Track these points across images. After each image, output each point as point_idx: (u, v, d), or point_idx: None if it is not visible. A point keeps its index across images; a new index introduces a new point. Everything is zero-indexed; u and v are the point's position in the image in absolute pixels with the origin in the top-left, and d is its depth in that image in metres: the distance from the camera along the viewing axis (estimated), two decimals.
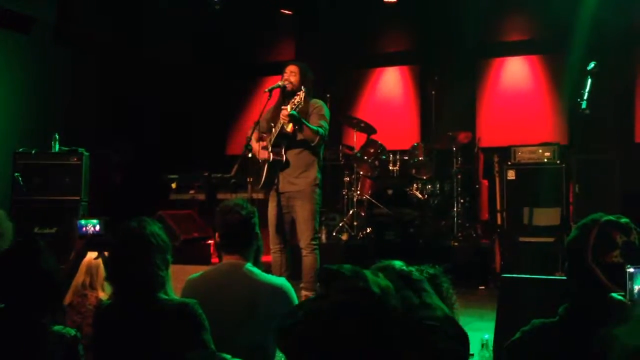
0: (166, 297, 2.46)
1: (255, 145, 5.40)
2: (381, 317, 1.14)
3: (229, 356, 1.94)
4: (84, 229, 4.14)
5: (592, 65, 5.03)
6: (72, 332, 2.47)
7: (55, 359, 2.38)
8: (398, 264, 1.66)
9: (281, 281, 3.01)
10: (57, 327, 2.46)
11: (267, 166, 5.33)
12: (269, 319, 2.88)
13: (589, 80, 4.94)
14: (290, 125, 5.19)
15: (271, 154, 5.27)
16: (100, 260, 3.51)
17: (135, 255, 2.43)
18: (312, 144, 5.30)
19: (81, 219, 4.55)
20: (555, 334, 1.96)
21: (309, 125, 5.19)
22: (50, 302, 2.51)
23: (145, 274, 2.40)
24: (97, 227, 4.15)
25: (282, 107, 5.20)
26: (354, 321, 1.13)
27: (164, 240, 2.50)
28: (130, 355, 2.38)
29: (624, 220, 1.98)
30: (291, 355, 1.18)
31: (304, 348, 1.15)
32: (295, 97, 5.15)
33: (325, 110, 5.41)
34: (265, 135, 5.43)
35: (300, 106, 5.13)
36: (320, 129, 5.24)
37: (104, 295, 3.45)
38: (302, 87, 5.21)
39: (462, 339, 1.22)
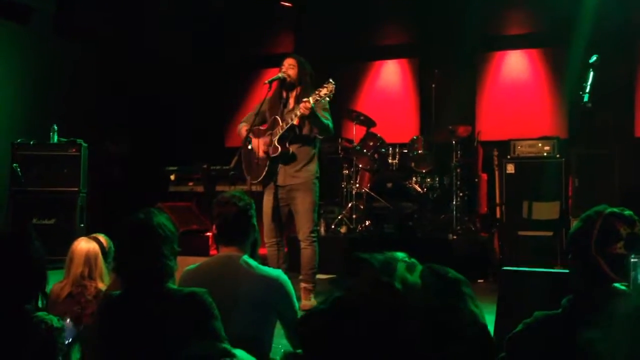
0: (175, 286, 2.45)
1: (255, 141, 5.36)
2: (399, 315, 1.11)
3: (229, 346, 1.93)
4: None
5: (594, 58, 5.01)
6: (55, 320, 2.44)
7: (33, 345, 2.36)
8: (400, 255, 1.65)
9: (277, 273, 3.00)
10: (40, 314, 2.44)
11: (270, 160, 5.29)
12: (265, 311, 2.87)
13: (591, 74, 4.92)
14: (297, 118, 5.14)
15: (278, 147, 5.23)
16: (98, 251, 3.49)
17: (144, 247, 2.43)
18: (321, 137, 5.33)
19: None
20: (559, 325, 1.95)
21: (322, 119, 5.15)
22: (34, 289, 2.49)
23: (155, 264, 2.41)
24: None
25: (304, 99, 5.04)
26: (371, 316, 1.10)
27: (171, 230, 2.50)
28: (141, 345, 2.37)
29: (627, 212, 1.99)
30: (309, 345, 1.16)
31: (323, 339, 1.13)
32: (322, 88, 5.03)
33: (327, 105, 5.38)
34: (260, 127, 5.39)
35: (326, 98, 5.05)
36: (330, 122, 5.23)
37: (102, 285, 3.44)
38: (330, 79, 5.10)
39: (484, 348, 1.19)
